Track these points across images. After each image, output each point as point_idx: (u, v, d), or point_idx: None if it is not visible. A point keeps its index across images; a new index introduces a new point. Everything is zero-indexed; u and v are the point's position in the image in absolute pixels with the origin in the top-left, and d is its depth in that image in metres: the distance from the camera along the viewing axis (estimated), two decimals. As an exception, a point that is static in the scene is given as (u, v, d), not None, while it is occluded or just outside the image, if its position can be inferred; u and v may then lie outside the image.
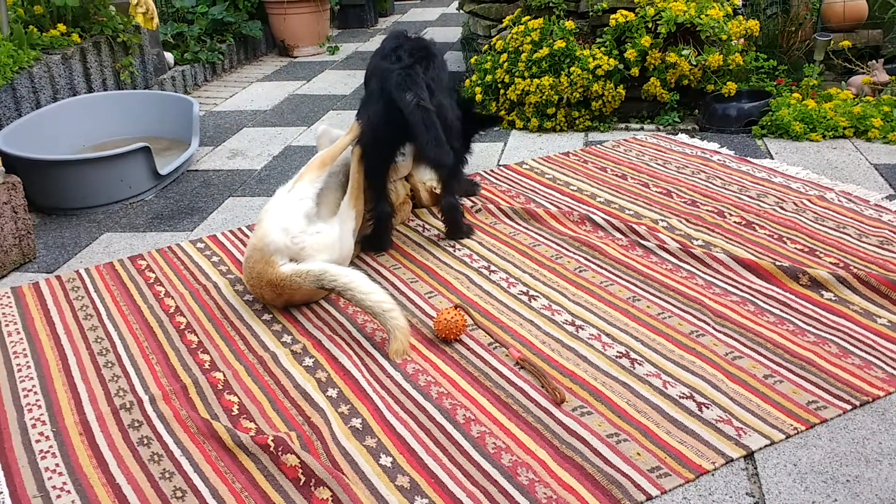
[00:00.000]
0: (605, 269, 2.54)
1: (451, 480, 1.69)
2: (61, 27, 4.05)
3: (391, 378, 2.05)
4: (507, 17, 4.50)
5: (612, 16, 3.95)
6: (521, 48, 4.07)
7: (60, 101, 3.84)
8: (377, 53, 2.78)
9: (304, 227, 2.39)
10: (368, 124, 2.67)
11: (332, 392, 2.00)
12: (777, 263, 2.45)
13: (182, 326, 2.36)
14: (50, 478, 1.77)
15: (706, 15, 3.79)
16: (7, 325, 2.42)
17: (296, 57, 6.32)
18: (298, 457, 1.72)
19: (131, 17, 4.33)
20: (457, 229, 2.83)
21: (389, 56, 2.63)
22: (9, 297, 2.59)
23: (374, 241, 2.76)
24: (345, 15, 7.45)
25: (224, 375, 2.09)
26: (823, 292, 2.33)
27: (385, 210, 2.74)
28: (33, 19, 4.11)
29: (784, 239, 2.69)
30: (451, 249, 2.76)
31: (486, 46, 4.49)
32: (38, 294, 2.60)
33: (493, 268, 2.61)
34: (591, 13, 4.18)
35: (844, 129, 3.69)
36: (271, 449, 1.76)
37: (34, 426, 1.94)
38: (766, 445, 1.75)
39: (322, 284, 2.26)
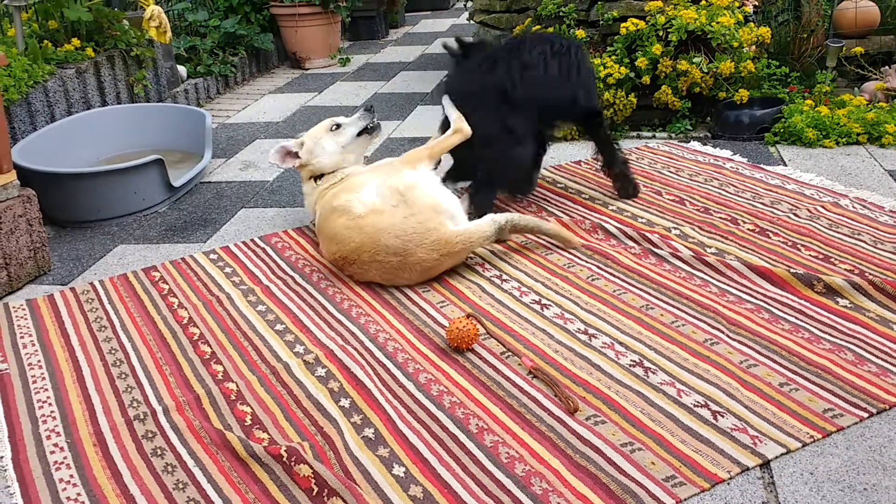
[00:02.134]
0: (618, 278, 2.53)
1: (465, 490, 1.68)
2: (76, 41, 4.10)
3: (403, 388, 2.05)
4: (518, 27, 4.51)
5: (623, 24, 3.94)
6: (531, 58, 4.06)
7: (75, 115, 3.88)
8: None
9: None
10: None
11: (345, 402, 2.00)
12: (791, 270, 2.43)
13: (195, 337, 2.37)
14: (64, 489, 1.77)
15: (717, 22, 3.78)
16: (22, 337, 2.44)
17: (307, 69, 6.36)
18: (311, 467, 1.72)
19: (144, 31, 4.38)
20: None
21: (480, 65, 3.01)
22: (24, 309, 2.61)
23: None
24: (356, 27, 7.48)
25: (237, 386, 2.10)
26: (839, 299, 2.31)
27: None
28: (48, 34, 4.16)
29: (798, 246, 2.67)
30: (462, 259, 2.76)
31: (496, 56, 4.49)
32: (53, 306, 2.62)
33: (504, 277, 2.60)
34: (601, 22, 4.18)
35: (858, 135, 3.67)
36: (284, 459, 1.76)
37: (49, 437, 1.95)
38: (782, 454, 1.73)
39: (503, 231, 2.69)
